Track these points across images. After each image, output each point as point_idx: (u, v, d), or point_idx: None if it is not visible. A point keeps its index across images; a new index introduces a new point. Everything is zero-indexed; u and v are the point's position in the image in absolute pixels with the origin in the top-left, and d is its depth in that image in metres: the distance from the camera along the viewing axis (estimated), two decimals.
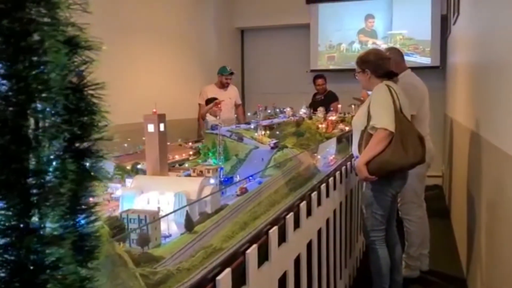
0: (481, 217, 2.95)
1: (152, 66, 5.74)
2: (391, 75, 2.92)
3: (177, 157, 2.86)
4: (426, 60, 7.32)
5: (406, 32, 7.48)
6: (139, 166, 2.32)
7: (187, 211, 1.57)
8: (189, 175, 2.25)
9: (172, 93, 6.04)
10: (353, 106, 4.83)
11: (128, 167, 2.32)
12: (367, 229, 2.97)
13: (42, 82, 0.56)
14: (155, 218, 1.46)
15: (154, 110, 2.01)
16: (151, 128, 2.01)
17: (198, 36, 6.99)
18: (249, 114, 5.03)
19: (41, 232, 0.60)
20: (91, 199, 0.69)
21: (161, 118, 2.01)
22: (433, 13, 7.22)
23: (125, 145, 2.75)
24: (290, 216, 1.85)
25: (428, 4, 7.22)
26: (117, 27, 4.88)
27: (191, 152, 3.03)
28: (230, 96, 5.69)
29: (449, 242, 4.56)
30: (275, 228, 1.65)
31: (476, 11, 3.56)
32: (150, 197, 1.82)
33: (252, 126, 3.30)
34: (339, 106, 5.21)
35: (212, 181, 2.08)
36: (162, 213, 1.63)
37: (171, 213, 1.57)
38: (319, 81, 6.47)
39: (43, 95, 0.56)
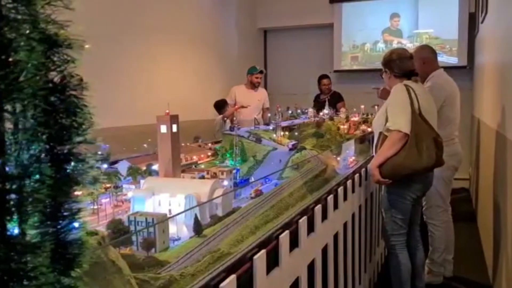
0: (507, 221, 2.84)
1: (175, 67, 5.75)
2: (409, 75, 2.82)
3: (195, 158, 2.84)
4: (453, 60, 7.12)
5: (433, 31, 7.30)
6: (153, 167, 2.30)
7: (195, 214, 1.54)
8: (203, 177, 2.23)
9: (195, 94, 6.04)
10: (376, 107, 4.73)
11: (144, 168, 2.31)
12: (387, 233, 2.89)
13: (12, 82, 0.53)
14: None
15: (167, 111, 1.99)
16: (163, 129, 1.99)
17: (220, 36, 6.98)
18: (269, 115, 4.99)
19: (17, 240, 0.58)
20: (74, 205, 0.66)
21: (174, 119, 1.99)
22: (460, 11, 7.02)
23: (145, 145, 2.75)
24: (303, 220, 1.80)
25: (455, 2, 7.02)
26: (141, 28, 4.90)
27: (209, 153, 3.01)
28: (258, 98, 5.60)
29: (475, 247, 4.42)
30: (286, 232, 1.60)
31: (505, 9, 3.44)
32: (161, 199, 1.80)
33: (271, 127, 3.27)
34: (359, 108, 5.11)
35: (225, 183, 2.05)
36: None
37: (176, 215, 1.54)
38: (325, 81, 6.44)
39: (14, 95, 0.53)
